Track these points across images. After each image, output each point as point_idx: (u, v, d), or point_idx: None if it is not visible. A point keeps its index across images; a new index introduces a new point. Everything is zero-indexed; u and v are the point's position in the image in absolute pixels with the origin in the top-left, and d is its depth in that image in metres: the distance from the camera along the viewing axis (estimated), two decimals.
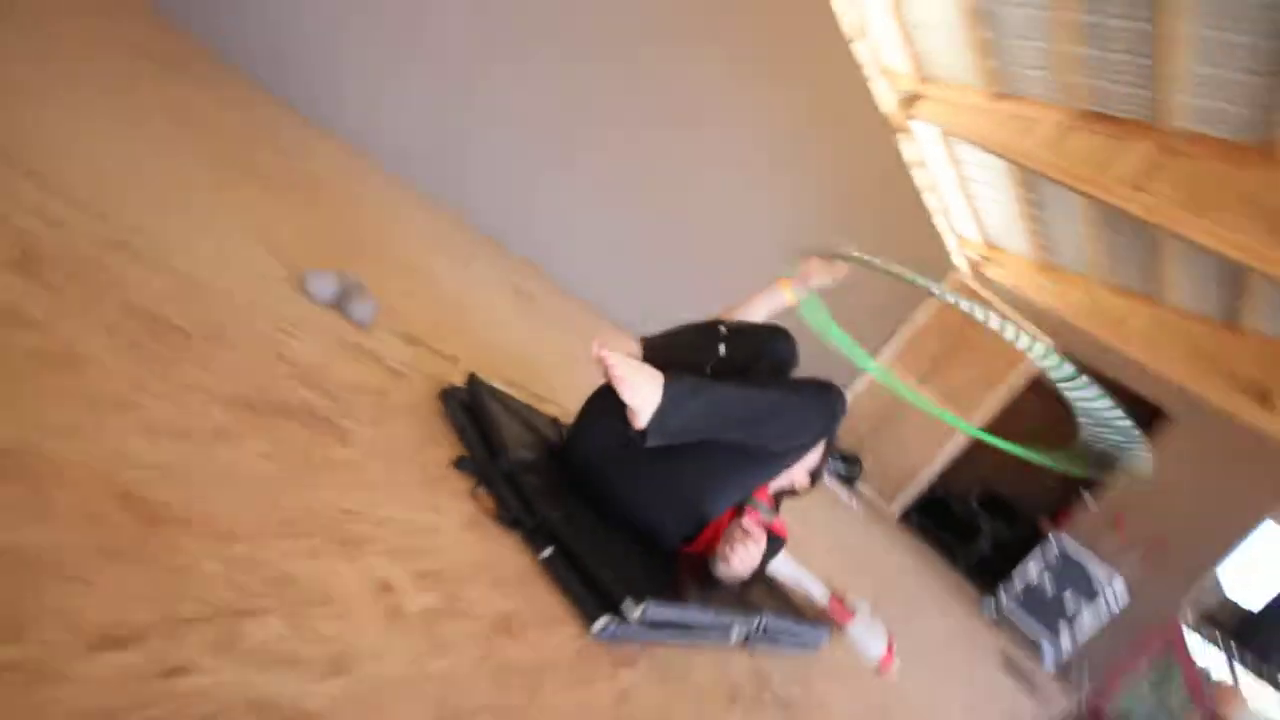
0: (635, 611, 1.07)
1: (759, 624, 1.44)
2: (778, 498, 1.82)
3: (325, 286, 1.49)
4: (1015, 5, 4.62)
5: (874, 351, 7.34)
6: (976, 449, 8.34)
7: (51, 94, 1.53)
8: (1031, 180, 6.26)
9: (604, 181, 4.25)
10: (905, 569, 4.50)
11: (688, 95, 4.27)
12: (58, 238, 1.04)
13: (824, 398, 1.42)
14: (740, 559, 1.33)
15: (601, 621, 1.06)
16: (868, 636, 2.11)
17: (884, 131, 5.88)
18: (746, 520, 1.34)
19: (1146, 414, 6.91)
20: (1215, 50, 4.08)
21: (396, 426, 1.24)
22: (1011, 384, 7.10)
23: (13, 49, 1.63)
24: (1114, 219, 6.07)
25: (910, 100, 5.90)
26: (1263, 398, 6.40)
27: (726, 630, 1.35)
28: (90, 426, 0.75)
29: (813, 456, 1.79)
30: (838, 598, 2.19)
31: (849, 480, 6.94)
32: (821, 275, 1.74)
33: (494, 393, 1.46)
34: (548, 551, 1.15)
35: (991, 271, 8.01)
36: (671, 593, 1.18)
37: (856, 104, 5.36)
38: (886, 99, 5.77)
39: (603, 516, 1.32)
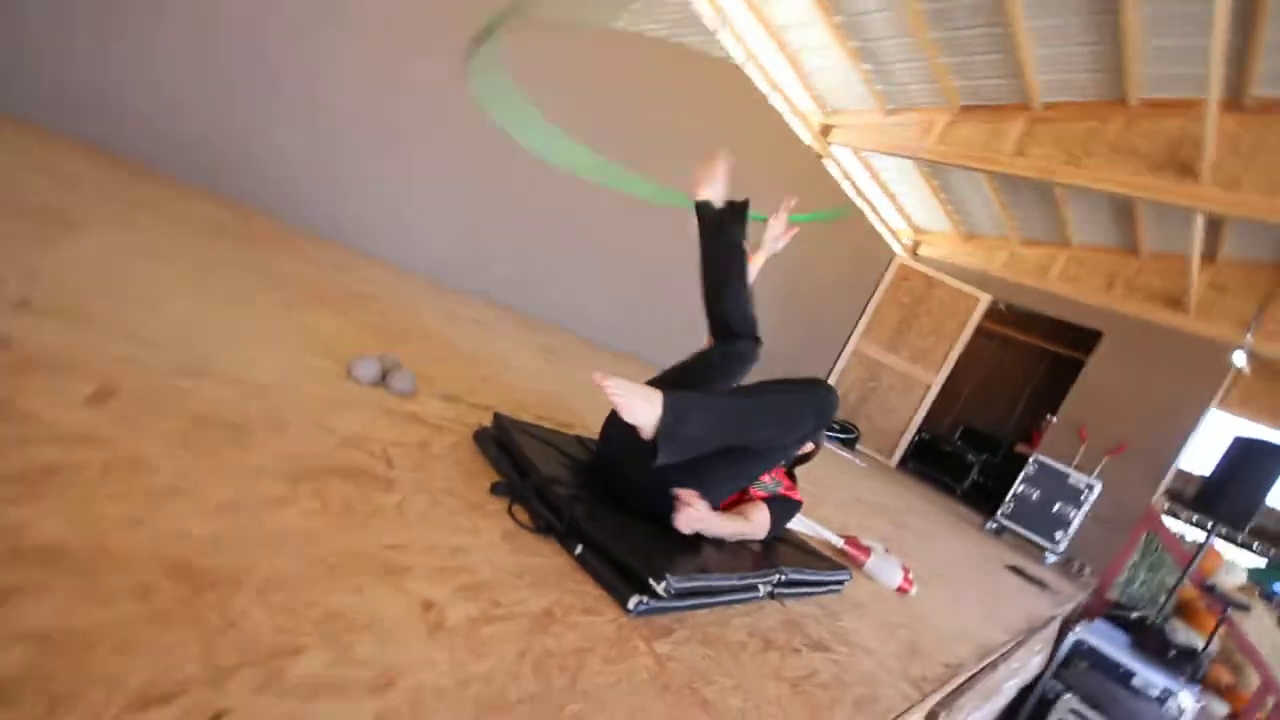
0: (661, 586, 0.98)
1: (782, 578, 1.34)
2: (792, 466, 1.72)
3: (368, 368, 1.45)
4: (884, 39, 4.61)
5: (849, 326, 7.17)
6: (946, 396, 8.08)
7: (137, 259, 1.53)
8: (937, 170, 6.16)
9: (615, 246, 4.22)
10: (913, 508, 4.29)
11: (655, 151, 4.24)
12: (133, 372, 1.01)
13: (816, 397, 1.34)
14: (684, 524, 1.20)
15: (634, 600, 0.98)
16: (885, 568, 1.97)
17: (812, 157, 5.82)
18: (685, 493, 1.23)
19: (1087, 337, 6.64)
20: (1051, 34, 4.03)
21: (438, 469, 1.18)
22: (964, 337, 6.88)
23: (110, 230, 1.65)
24: (1011, 185, 5.95)
25: (825, 131, 5.86)
26: (1174, 303, 6.14)
27: (754, 588, 1.25)
28: (148, 516, 0.70)
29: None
30: (852, 540, 2.06)
31: (851, 444, 6.72)
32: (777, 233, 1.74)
33: (519, 425, 1.40)
34: (579, 549, 1.07)
35: (924, 250, 7.86)
36: (694, 565, 1.09)
37: (783, 141, 5.32)
38: (805, 135, 5.74)
39: (629, 511, 1.24)
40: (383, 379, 1.49)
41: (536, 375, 2.42)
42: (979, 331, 7.26)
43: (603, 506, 1.18)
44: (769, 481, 1.55)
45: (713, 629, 1.08)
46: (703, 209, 1.58)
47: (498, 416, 1.39)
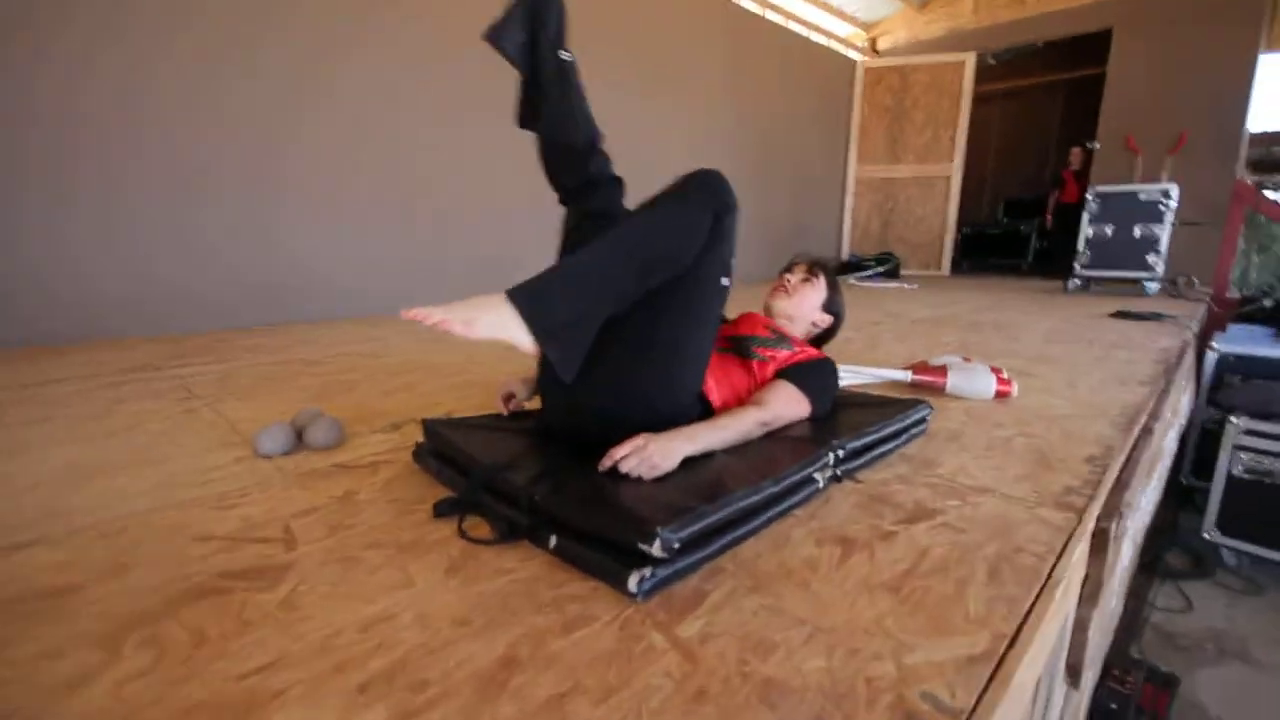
0: (655, 547, 0.69)
1: (840, 453, 1.02)
2: (817, 340, 1.39)
3: (273, 438, 1.18)
4: None
5: (843, 160, 6.54)
6: (972, 182, 7.38)
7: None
8: None
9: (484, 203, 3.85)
10: (983, 305, 3.84)
11: None
12: None
13: (693, 180, 0.96)
14: (641, 473, 0.86)
15: (635, 579, 0.69)
16: (971, 379, 1.62)
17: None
18: (619, 450, 0.88)
19: (1097, 47, 5.80)
20: None
21: (362, 520, 0.91)
22: (963, 111, 6.14)
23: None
24: None
25: None
26: None
27: (804, 484, 0.94)
28: None
29: (815, 296, 1.34)
30: (920, 368, 1.71)
31: (893, 273, 6.21)
32: None
33: (451, 423, 1.11)
34: (554, 540, 0.78)
35: (884, 42, 7.03)
36: (699, 497, 0.79)
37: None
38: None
39: (608, 474, 0.92)
40: (300, 441, 1.22)
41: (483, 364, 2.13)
42: (978, 99, 6.48)
43: (570, 477, 0.88)
44: (769, 338, 1.21)
45: (763, 562, 0.78)
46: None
47: (426, 424, 1.10)
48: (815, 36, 6.24)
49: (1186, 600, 2.61)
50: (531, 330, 0.84)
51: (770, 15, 5.71)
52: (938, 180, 6.37)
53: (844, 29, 6.76)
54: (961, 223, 6.97)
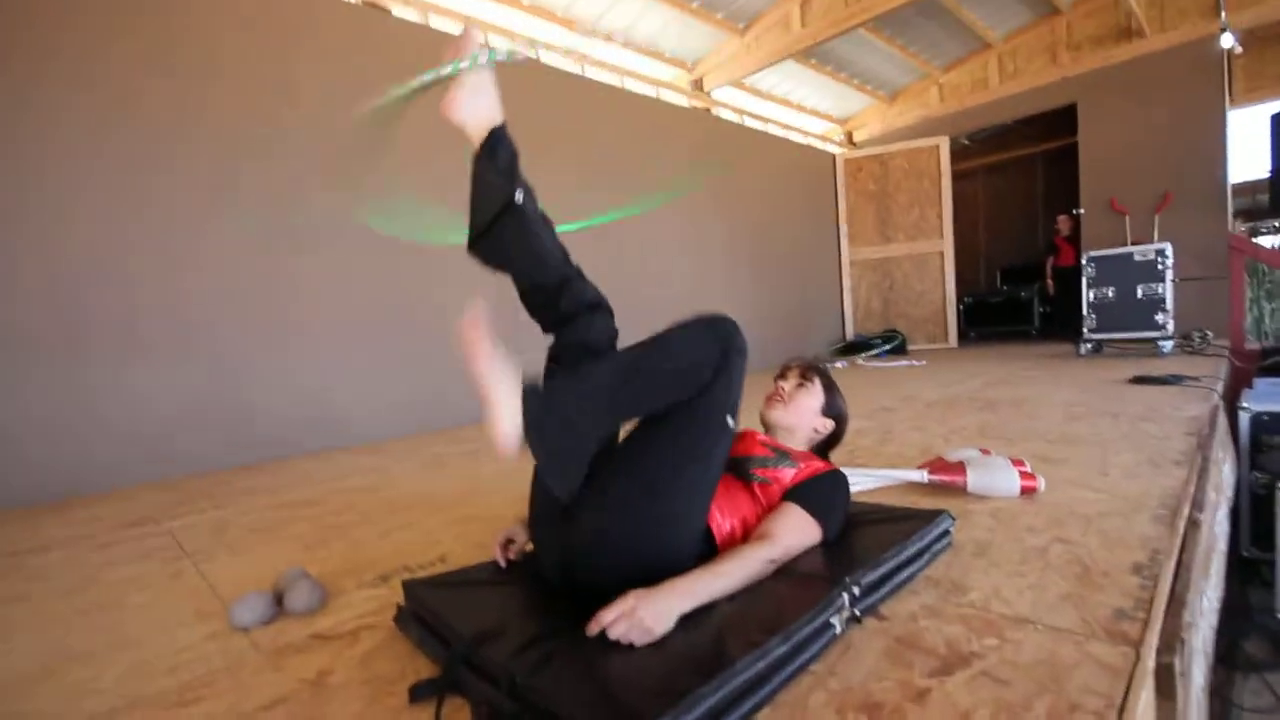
0: None
1: (856, 591, 0.92)
2: (822, 447, 1.32)
3: (249, 609, 1.11)
4: None
5: (835, 248, 6.69)
6: (965, 255, 7.49)
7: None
8: (820, 53, 5.75)
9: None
10: (995, 379, 3.77)
11: None
12: None
13: (705, 318, 0.95)
14: (626, 637, 0.78)
15: None
16: (992, 477, 1.52)
17: (700, 116, 5.50)
18: (607, 614, 0.80)
19: (1066, 119, 6.06)
20: None
21: (338, 705, 0.82)
22: (945, 189, 6.35)
23: None
24: (896, 21, 5.51)
25: (698, 85, 5.56)
26: (1126, 34, 5.57)
27: (819, 634, 0.84)
28: None
29: (812, 402, 1.29)
30: (937, 466, 1.62)
31: (900, 349, 6.17)
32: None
33: (434, 582, 1.04)
34: None
35: (860, 134, 7.41)
36: (700, 670, 0.70)
37: (668, 119, 5.00)
38: (681, 99, 5.45)
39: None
40: (279, 608, 1.15)
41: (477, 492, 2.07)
42: (960, 175, 6.74)
43: (561, 645, 0.80)
44: (769, 457, 1.14)
45: None
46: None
47: (406, 586, 1.03)
48: (794, 136, 6.59)
49: (1275, 695, 2.32)
50: (525, 422, 0.80)
51: (748, 121, 6.08)
52: (931, 256, 6.48)
53: (820, 126, 7.16)
54: (961, 294, 7.02)
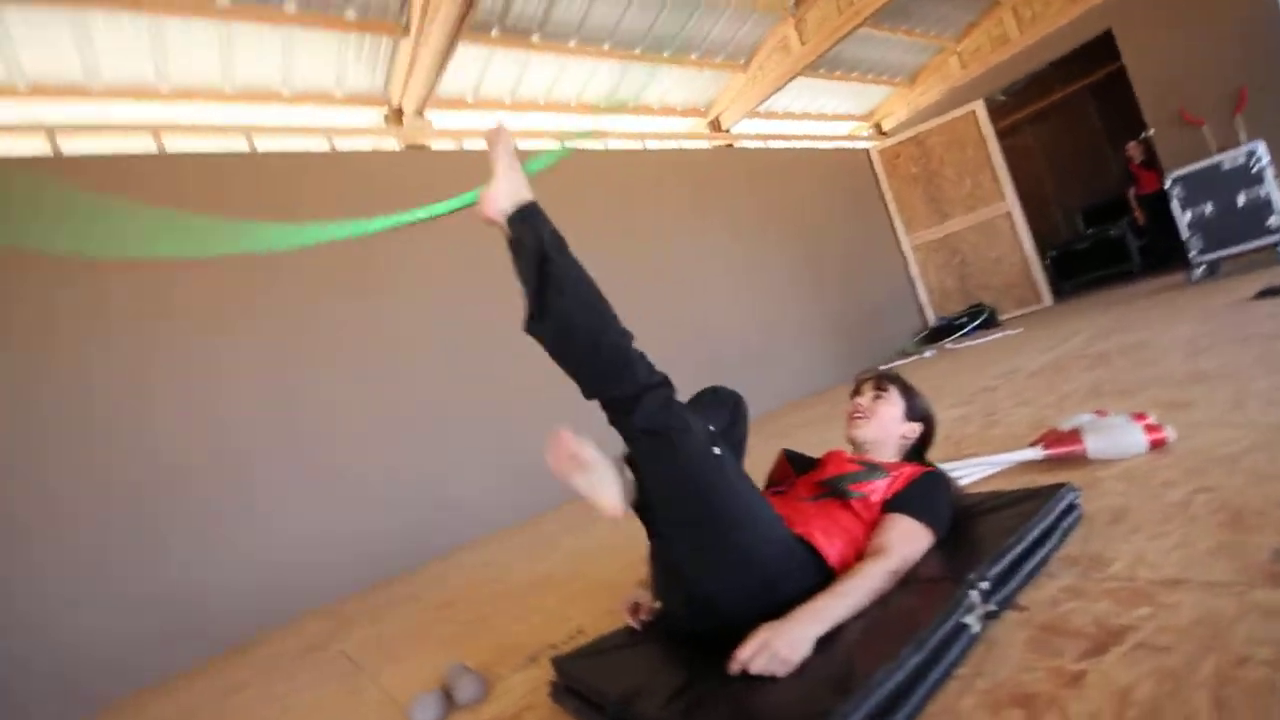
0: None
1: (984, 587, 0.91)
2: (916, 452, 1.33)
3: (426, 709, 1.22)
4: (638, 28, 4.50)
5: (892, 241, 6.52)
6: (1036, 210, 7.08)
7: None
8: (826, 62, 5.77)
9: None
10: (1102, 329, 3.51)
11: None
12: None
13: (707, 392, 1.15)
14: (767, 669, 0.81)
15: None
16: (1115, 438, 1.44)
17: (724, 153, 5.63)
18: (744, 652, 0.84)
19: (1104, 47, 5.73)
20: None
21: None
22: (994, 151, 6.11)
23: None
24: (891, 9, 5.45)
25: (715, 126, 5.72)
26: None
27: (954, 637, 0.84)
28: None
29: (893, 410, 1.30)
30: (1051, 439, 1.55)
31: (991, 322, 5.85)
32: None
33: (579, 655, 1.11)
34: None
35: (888, 123, 7.29)
36: (837, 689, 0.72)
37: (681, 165, 5.17)
38: (703, 140, 5.62)
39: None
40: (449, 700, 1.25)
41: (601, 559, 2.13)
42: (1005, 134, 6.48)
43: (705, 691, 0.85)
44: (860, 471, 1.15)
45: None
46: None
47: (555, 663, 1.11)
48: (821, 145, 6.60)
49: None
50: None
51: (773, 144, 6.16)
52: (996, 220, 6.19)
53: (845, 127, 7.14)
54: (1044, 249, 6.61)
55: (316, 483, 2.99)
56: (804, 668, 0.82)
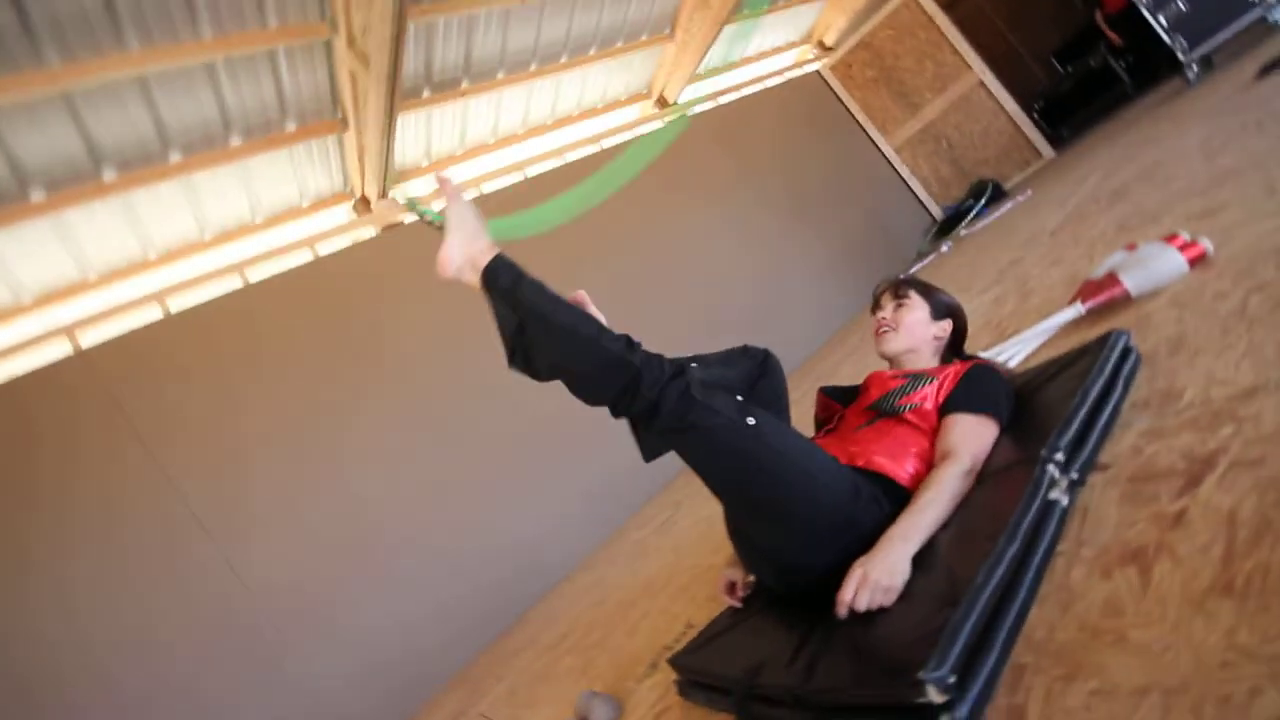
0: (933, 694, 0.63)
1: (1059, 460, 0.89)
2: (953, 350, 1.30)
3: (604, 711, 1.25)
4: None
5: (872, 151, 6.36)
6: (1007, 67, 6.81)
7: None
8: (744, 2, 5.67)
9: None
10: (1113, 162, 3.37)
11: None
12: None
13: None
14: (874, 603, 0.81)
15: None
16: (1151, 270, 1.39)
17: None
18: (845, 593, 0.84)
19: None
20: None
21: None
22: (947, 25, 5.91)
23: None
24: None
25: (661, 104, 5.68)
26: None
27: (1050, 514, 0.83)
28: None
29: (918, 314, 1.27)
30: (1088, 290, 1.51)
31: (999, 195, 5.66)
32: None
33: (692, 649, 1.13)
34: None
35: (829, 37, 7.11)
36: (944, 600, 0.72)
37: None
38: (656, 119, 5.59)
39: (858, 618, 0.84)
40: None
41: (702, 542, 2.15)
42: (950, 7, 6.25)
43: (819, 648, 0.85)
44: (904, 385, 1.14)
45: (1060, 633, 0.67)
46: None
47: (672, 663, 1.12)
48: (772, 82, 6.49)
49: None
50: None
51: (724, 100, 6.09)
52: (970, 93, 6.00)
53: (790, 57, 7.00)
54: (1028, 103, 6.36)
55: (417, 564, 3.09)
56: (908, 590, 0.82)
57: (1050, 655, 0.66)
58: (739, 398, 0.99)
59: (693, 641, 1.16)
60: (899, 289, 1.32)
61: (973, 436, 1.01)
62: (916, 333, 1.25)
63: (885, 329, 1.28)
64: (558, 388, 1.04)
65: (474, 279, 1.03)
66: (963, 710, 0.63)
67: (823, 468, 0.97)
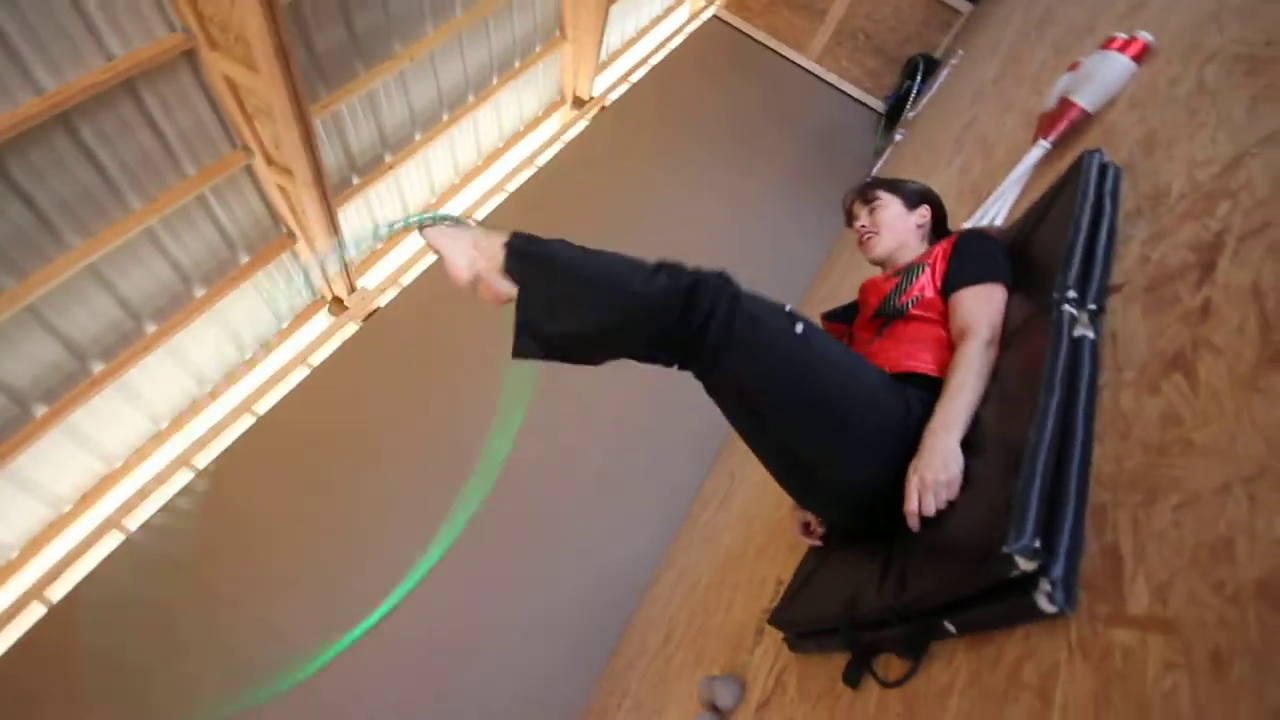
0: (1024, 564, 0.61)
1: (1071, 297, 0.87)
2: (937, 232, 1.29)
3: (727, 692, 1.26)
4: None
5: (805, 75, 6.29)
6: None
7: None
8: None
9: None
10: None
11: None
12: None
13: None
14: (941, 502, 0.81)
15: (1043, 600, 0.61)
16: (1101, 80, 1.35)
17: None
18: (910, 504, 0.83)
19: None
20: None
21: None
22: None
23: None
24: None
25: (579, 104, 5.66)
26: None
27: (1079, 353, 0.81)
28: None
29: (893, 209, 1.25)
30: (1045, 124, 1.47)
31: (932, 68, 5.56)
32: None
33: (785, 605, 1.13)
34: (951, 627, 0.73)
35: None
36: (1006, 469, 0.71)
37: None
38: (581, 121, 5.57)
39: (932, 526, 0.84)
40: (717, 710, 1.29)
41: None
42: None
43: (906, 559, 0.84)
44: (899, 282, 1.12)
45: (1128, 462, 0.66)
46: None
47: (772, 622, 1.12)
48: (675, 42, 6.43)
49: None
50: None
51: (635, 76, 6.04)
52: None
53: (684, 13, 6.93)
54: None
55: (512, 618, 3.12)
56: (969, 477, 0.81)
57: (1125, 486, 0.64)
58: (788, 307, 0.96)
59: (784, 597, 1.16)
60: (866, 192, 1.30)
61: (981, 306, 0.99)
62: (898, 227, 1.23)
63: (867, 235, 1.26)
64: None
65: (491, 267, 0.95)
66: (1057, 570, 0.61)
67: (873, 372, 0.96)
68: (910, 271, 1.12)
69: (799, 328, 0.93)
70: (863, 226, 1.27)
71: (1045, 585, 0.61)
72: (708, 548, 2.48)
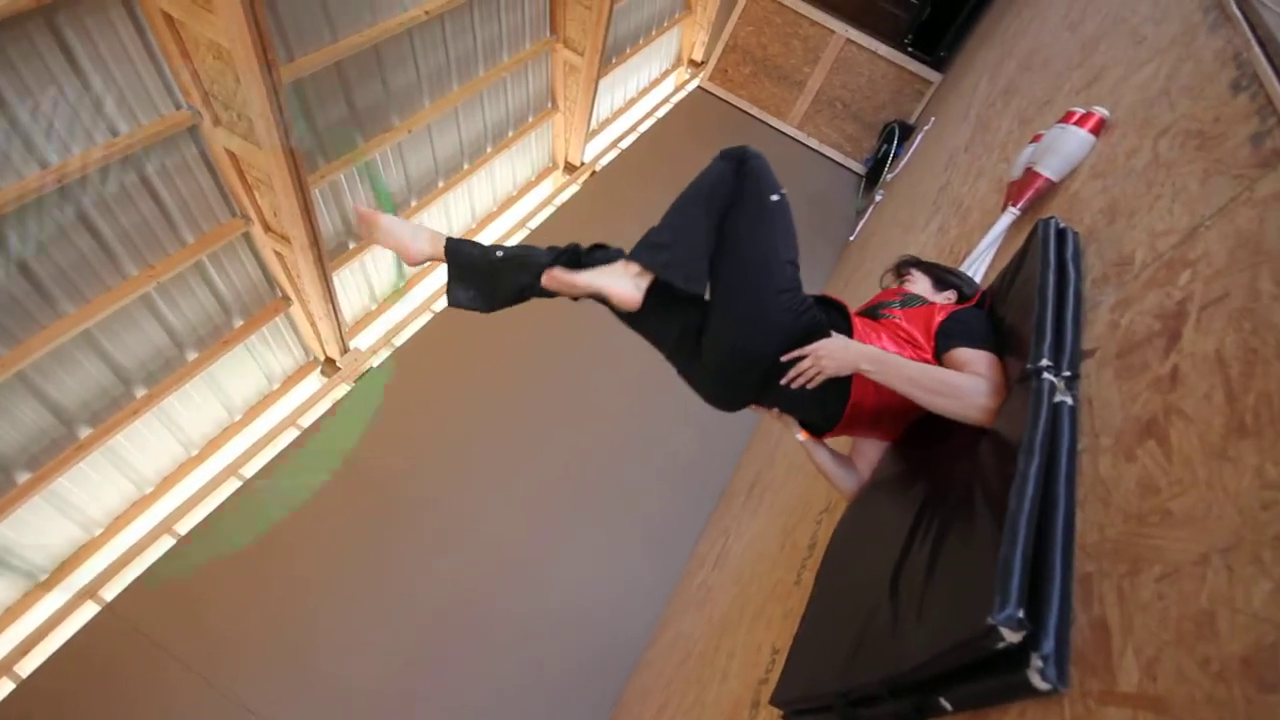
0: (1011, 635, 0.61)
1: (1046, 363, 0.89)
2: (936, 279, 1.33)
3: None
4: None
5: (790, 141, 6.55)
6: (863, 18, 7.12)
7: None
8: (609, 55, 5.94)
9: None
10: (992, 65, 3.48)
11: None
12: None
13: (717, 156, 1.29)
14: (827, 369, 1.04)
15: (1035, 676, 0.60)
16: (1062, 151, 1.42)
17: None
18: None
19: None
20: None
21: None
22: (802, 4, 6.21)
23: None
24: None
25: (569, 168, 5.84)
26: None
27: (1059, 420, 0.82)
28: None
29: (921, 285, 1.32)
30: (1014, 193, 1.54)
31: (906, 134, 5.82)
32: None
33: (781, 679, 1.09)
34: (947, 704, 0.71)
35: (698, 53, 7.44)
36: (990, 539, 0.71)
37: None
38: (571, 187, 5.73)
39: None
40: None
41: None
42: None
43: (894, 617, 0.83)
44: (897, 301, 1.20)
45: (1115, 510, 0.66)
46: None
47: (774, 705, 1.08)
48: (661, 113, 6.72)
49: None
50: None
51: (625, 143, 6.28)
52: (843, 52, 6.26)
53: (670, 84, 7.29)
54: (898, 40, 6.62)
55: (509, 676, 2.98)
56: (959, 540, 0.80)
57: (1109, 555, 0.64)
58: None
59: (783, 670, 1.13)
60: (900, 269, 1.36)
61: (991, 367, 1.01)
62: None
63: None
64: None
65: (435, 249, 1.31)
66: (1048, 645, 0.61)
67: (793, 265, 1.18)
68: (913, 299, 1.16)
69: (775, 197, 1.19)
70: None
71: (1037, 661, 0.60)
72: (702, 612, 2.41)
